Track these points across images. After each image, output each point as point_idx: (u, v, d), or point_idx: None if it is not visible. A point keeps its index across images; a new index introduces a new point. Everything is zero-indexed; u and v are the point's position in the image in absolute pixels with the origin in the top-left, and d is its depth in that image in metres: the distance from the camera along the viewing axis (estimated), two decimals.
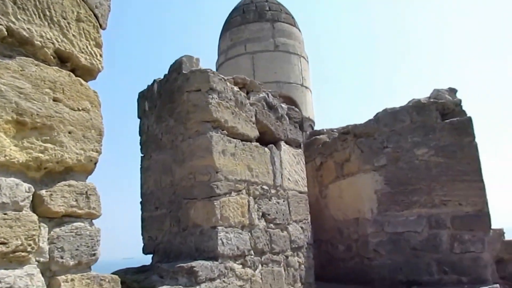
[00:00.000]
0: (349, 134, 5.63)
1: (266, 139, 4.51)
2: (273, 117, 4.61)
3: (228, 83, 3.93)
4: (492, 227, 4.84)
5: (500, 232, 4.86)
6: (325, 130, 6.80)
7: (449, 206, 4.86)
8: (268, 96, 4.57)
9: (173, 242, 3.71)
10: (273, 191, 4.30)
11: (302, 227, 4.74)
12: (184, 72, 3.77)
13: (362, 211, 5.38)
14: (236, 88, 4.03)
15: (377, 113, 5.45)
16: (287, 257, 4.32)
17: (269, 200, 4.20)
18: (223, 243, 3.40)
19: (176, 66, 3.90)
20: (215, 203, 3.43)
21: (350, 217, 5.64)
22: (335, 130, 6.56)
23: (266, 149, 4.36)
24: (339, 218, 5.90)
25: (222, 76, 3.84)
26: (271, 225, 4.17)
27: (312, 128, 7.19)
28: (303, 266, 4.59)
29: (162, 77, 4.21)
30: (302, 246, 4.65)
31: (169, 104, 3.95)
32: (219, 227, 3.42)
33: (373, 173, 5.27)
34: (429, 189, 4.95)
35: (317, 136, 6.64)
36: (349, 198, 5.65)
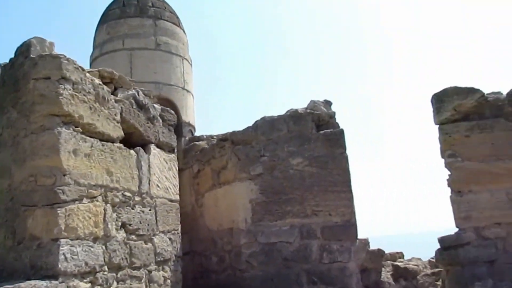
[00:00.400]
0: (227, 141, 5.43)
1: (134, 141, 4.09)
2: (143, 117, 4.21)
3: (87, 74, 3.44)
4: (358, 237, 4.98)
5: (365, 242, 5.04)
6: (205, 136, 6.55)
7: (320, 216, 4.89)
8: (138, 94, 4.16)
9: (6, 258, 3.08)
10: (137, 199, 3.88)
11: (170, 238, 4.37)
12: (32, 56, 3.20)
13: (236, 221, 5.18)
14: (97, 81, 3.56)
15: (256, 121, 5.34)
16: (150, 271, 3.92)
17: (132, 209, 3.77)
18: (66, 258, 2.89)
19: (24, 49, 3.31)
20: (59, 212, 2.91)
21: (224, 227, 5.42)
22: (215, 137, 6.33)
23: (132, 151, 3.93)
24: (214, 228, 5.65)
25: (80, 65, 3.35)
26: (133, 236, 3.74)
27: (192, 134, 6.88)
28: (169, 281, 4.22)
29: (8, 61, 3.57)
30: (169, 259, 4.28)
31: (13, 93, 3.34)
32: (63, 240, 2.91)
33: (249, 181, 5.12)
34: (302, 199, 4.94)
35: (196, 142, 6.36)
36: (224, 207, 5.44)
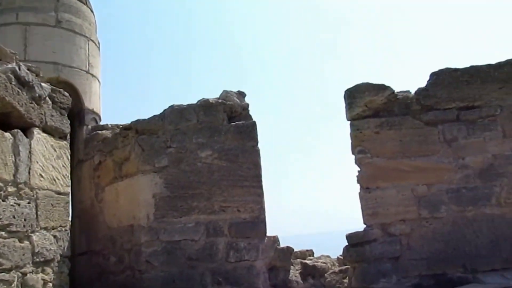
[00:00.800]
0: (131, 130, 4.98)
1: (12, 122, 3.53)
2: (26, 96, 3.65)
3: None
4: (268, 234, 4.77)
5: (275, 240, 4.84)
6: (110, 125, 5.99)
7: (228, 212, 4.61)
8: (19, 69, 3.59)
9: None
10: (11, 189, 3.33)
11: (55, 236, 3.85)
12: None
13: (137, 217, 4.74)
14: None
15: (164, 110, 4.94)
16: (24, 274, 3.38)
17: (3, 201, 3.22)
18: None
19: None
20: None
21: (125, 224, 4.95)
22: (121, 126, 5.81)
23: (7, 134, 3.37)
24: (114, 225, 5.15)
25: None
26: (3, 233, 3.19)
27: (97, 123, 6.28)
28: (50, 284, 3.69)
29: None
30: (52, 260, 3.76)
31: None
32: None
33: (153, 174, 4.71)
34: (209, 194, 4.62)
35: (99, 131, 5.80)
36: (126, 202, 4.97)
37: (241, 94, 5.15)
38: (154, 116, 4.87)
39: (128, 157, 4.96)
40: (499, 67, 4.78)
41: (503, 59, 4.84)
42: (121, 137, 5.13)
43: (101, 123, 6.41)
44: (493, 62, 4.83)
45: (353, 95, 4.75)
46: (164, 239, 4.58)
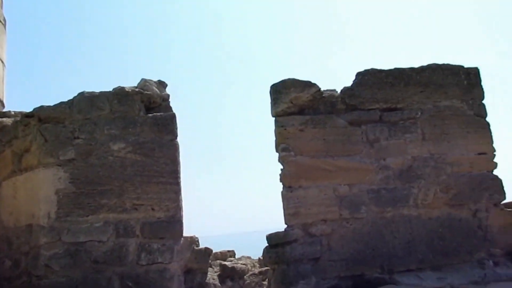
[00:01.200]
0: (33, 118, 4.44)
1: None
2: None
3: None
4: (185, 234, 4.47)
5: (192, 240, 4.55)
6: (12, 112, 5.36)
7: (140, 211, 4.24)
8: None
9: None
10: None
11: None
12: None
13: (37, 215, 4.22)
14: None
15: (74, 97, 4.46)
16: None
17: None
18: None
19: None
20: None
21: (22, 223, 4.40)
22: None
23: None
24: (10, 224, 4.57)
25: None
26: None
27: None
28: None
29: None
30: None
31: None
32: None
33: (57, 168, 4.22)
34: (121, 190, 4.22)
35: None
36: (24, 199, 4.42)
37: (162, 84, 4.78)
38: (61, 103, 4.37)
39: (29, 148, 4.42)
40: (421, 71, 4.87)
41: (425, 63, 4.94)
42: (22, 125, 4.56)
43: (4, 110, 5.74)
44: (416, 65, 4.91)
45: (279, 91, 4.59)
46: (67, 241, 4.11)
